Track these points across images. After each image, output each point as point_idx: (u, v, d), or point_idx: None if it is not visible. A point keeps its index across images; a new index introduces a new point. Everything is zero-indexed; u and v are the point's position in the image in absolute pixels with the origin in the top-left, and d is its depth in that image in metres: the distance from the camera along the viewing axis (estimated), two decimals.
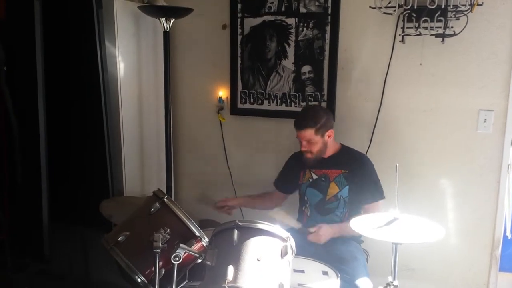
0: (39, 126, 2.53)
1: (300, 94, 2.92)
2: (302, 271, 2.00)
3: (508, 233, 2.74)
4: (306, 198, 2.54)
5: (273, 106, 3.01)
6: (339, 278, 1.97)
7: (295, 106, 2.94)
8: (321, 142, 2.41)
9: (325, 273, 2.01)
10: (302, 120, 2.41)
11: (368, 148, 2.76)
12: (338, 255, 2.27)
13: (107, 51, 2.71)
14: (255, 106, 3.05)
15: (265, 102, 3.02)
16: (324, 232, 2.30)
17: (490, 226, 2.62)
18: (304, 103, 2.91)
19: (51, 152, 2.61)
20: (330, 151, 2.49)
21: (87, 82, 2.73)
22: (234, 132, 3.18)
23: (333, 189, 2.46)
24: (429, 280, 2.78)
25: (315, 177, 2.51)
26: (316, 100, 2.88)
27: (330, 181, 2.46)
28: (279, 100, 2.98)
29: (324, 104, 2.86)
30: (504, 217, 2.66)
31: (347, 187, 2.44)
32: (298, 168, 2.59)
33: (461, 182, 2.65)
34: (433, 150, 2.68)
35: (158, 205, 1.82)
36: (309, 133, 2.38)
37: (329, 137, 2.43)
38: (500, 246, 2.68)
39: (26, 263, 2.92)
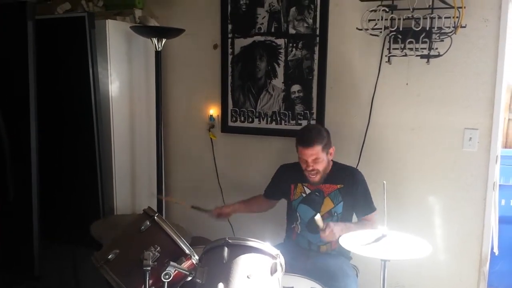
0: (31, 144, 2.53)
1: (290, 112, 2.97)
2: None
3: (495, 250, 2.77)
4: (298, 214, 2.54)
5: (263, 124, 3.05)
6: None
7: (285, 124, 2.99)
8: (326, 160, 2.43)
9: None
10: (310, 137, 2.39)
11: (357, 166, 2.79)
12: (329, 271, 2.28)
13: (99, 70, 2.75)
14: (246, 124, 3.09)
15: (256, 120, 3.06)
16: (336, 229, 2.27)
17: (478, 242, 2.65)
18: (294, 122, 2.95)
19: (42, 171, 2.62)
20: (329, 166, 2.52)
21: (79, 100, 2.75)
22: (225, 150, 3.21)
23: (328, 205, 2.46)
24: None
25: (308, 191, 2.51)
26: (306, 119, 2.92)
27: (324, 196, 2.47)
28: (269, 118, 3.03)
29: (313, 123, 2.90)
30: (491, 234, 2.70)
31: (342, 203, 2.45)
32: (288, 181, 2.59)
33: (448, 199, 2.69)
34: (420, 168, 2.72)
35: (148, 223, 1.83)
36: (317, 149, 2.37)
37: (331, 154, 2.47)
38: (488, 263, 2.71)
39: (17, 281, 2.89)
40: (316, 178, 2.44)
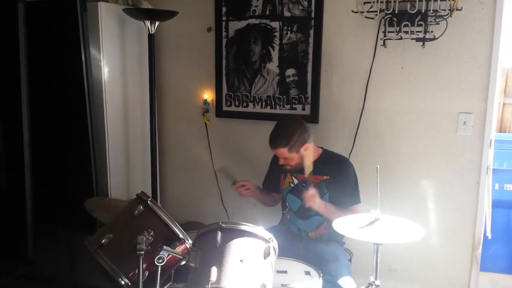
0: (23, 129, 2.51)
1: (284, 97, 2.95)
2: (285, 272, 2.02)
3: (488, 233, 2.79)
4: (286, 203, 2.55)
5: (258, 109, 3.03)
6: (321, 278, 1.99)
7: (280, 109, 2.97)
8: (297, 156, 2.37)
9: (307, 273, 2.03)
10: (274, 140, 2.37)
11: (351, 150, 2.80)
12: (320, 256, 2.28)
13: (92, 53, 2.71)
14: (240, 109, 3.08)
15: (250, 104, 3.05)
16: (317, 199, 2.29)
17: (471, 226, 2.67)
18: (289, 106, 2.94)
19: (35, 155, 2.60)
20: (311, 157, 2.44)
21: (71, 84, 2.72)
22: (219, 134, 3.20)
23: None
24: (411, 280, 2.83)
25: (296, 181, 2.51)
26: (300, 103, 2.91)
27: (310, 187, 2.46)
28: (263, 103, 3.01)
29: (308, 107, 2.89)
30: (484, 218, 2.72)
31: (327, 194, 2.43)
32: (279, 170, 2.58)
33: (442, 183, 2.70)
34: (414, 152, 2.72)
35: (141, 207, 1.83)
36: (282, 151, 2.36)
37: (306, 149, 2.38)
38: (481, 246, 2.73)
39: (11, 266, 2.90)
40: (289, 168, 2.44)
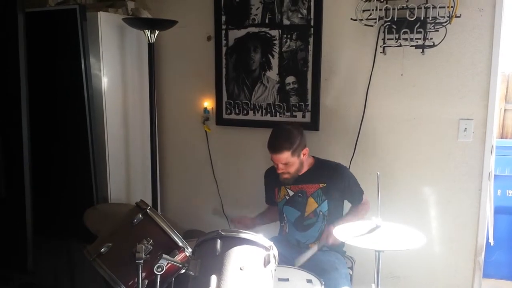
0: (23, 139, 2.51)
1: (284, 104, 2.95)
2: (287, 280, 2.01)
3: (490, 240, 2.77)
4: (284, 215, 2.53)
5: (258, 117, 3.03)
6: (323, 285, 1.98)
7: (280, 116, 2.97)
8: (298, 162, 2.39)
9: (309, 281, 2.02)
10: (278, 143, 2.35)
11: (352, 157, 2.79)
12: (319, 266, 2.25)
13: (92, 63, 2.72)
14: (240, 117, 3.08)
15: (250, 112, 3.05)
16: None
17: (473, 233, 2.66)
18: (289, 113, 2.94)
19: (35, 164, 2.60)
20: (304, 167, 2.47)
21: (72, 94, 2.72)
22: (219, 142, 3.20)
23: (312, 205, 2.45)
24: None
25: (291, 193, 2.49)
26: (301, 110, 2.91)
27: (307, 196, 2.45)
28: (264, 111, 3.01)
29: (308, 114, 2.89)
30: (487, 224, 2.70)
31: (326, 201, 2.43)
32: (272, 185, 2.58)
33: (443, 190, 2.68)
34: (415, 159, 2.71)
35: (140, 216, 1.82)
36: (286, 155, 2.33)
37: (304, 155, 2.41)
38: (483, 253, 2.72)
39: (11, 275, 2.89)
40: (287, 177, 2.42)
